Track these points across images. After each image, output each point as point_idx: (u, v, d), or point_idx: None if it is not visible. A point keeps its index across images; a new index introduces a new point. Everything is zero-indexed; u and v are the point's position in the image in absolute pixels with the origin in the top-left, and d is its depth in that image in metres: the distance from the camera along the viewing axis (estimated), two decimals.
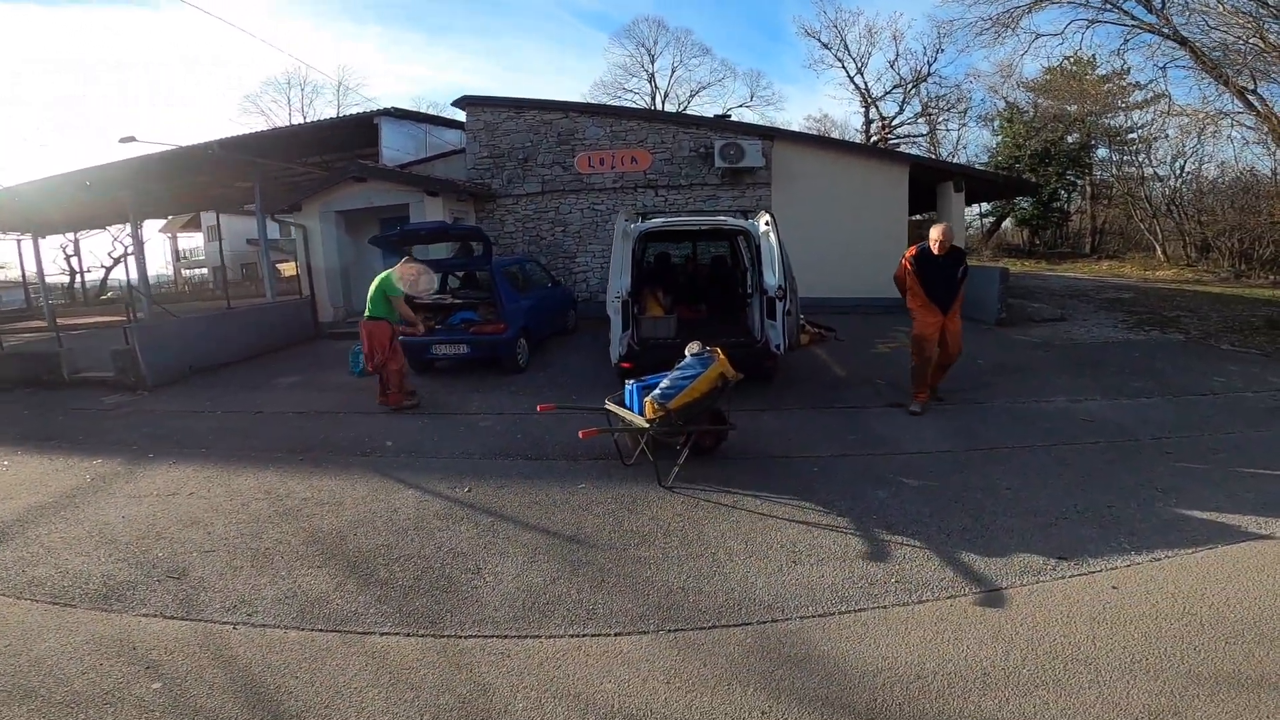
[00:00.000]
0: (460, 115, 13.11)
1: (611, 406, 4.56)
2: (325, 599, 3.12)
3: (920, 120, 31.66)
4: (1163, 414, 5.69)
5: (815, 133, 28.82)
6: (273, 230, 14.35)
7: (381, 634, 2.83)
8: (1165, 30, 10.14)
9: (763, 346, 6.28)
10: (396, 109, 14.32)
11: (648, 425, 4.15)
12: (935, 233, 5.55)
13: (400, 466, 4.90)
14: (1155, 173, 25.13)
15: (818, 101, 75.20)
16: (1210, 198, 23.52)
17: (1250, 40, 9.22)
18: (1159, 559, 3.17)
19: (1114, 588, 2.92)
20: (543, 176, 12.44)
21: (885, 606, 2.86)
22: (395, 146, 13.77)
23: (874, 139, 29.99)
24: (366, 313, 6.26)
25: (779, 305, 6.02)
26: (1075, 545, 3.32)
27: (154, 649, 2.77)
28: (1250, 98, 9.86)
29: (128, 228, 19.94)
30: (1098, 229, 28.16)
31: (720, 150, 11.36)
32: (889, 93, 31.93)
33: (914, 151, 27.67)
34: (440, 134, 15.36)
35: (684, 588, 3.09)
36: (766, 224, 6.24)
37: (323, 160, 15.22)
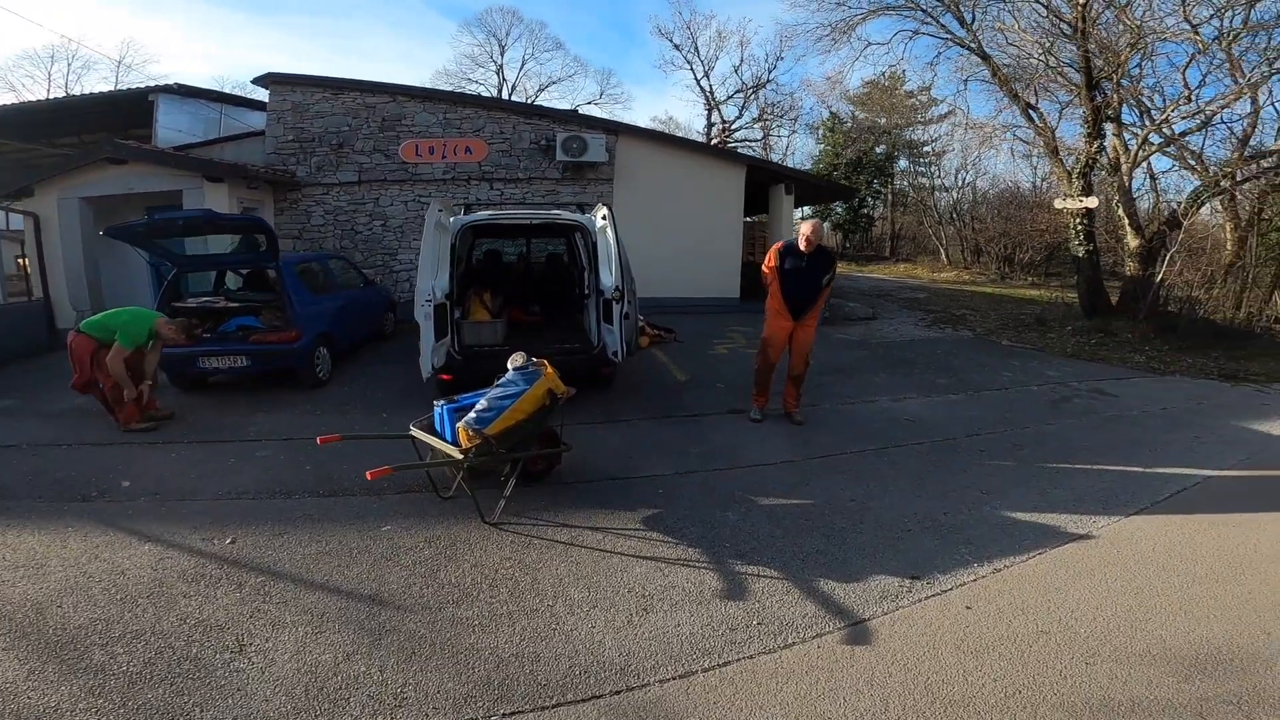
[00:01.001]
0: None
1: (419, 433, 3.80)
2: (9, 692, 2.26)
3: (756, 125, 33.48)
4: (969, 410, 6.11)
5: (660, 130, 29.29)
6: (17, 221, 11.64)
7: None
8: (972, 45, 11.27)
9: (599, 353, 5.81)
10: (182, 85, 12.36)
11: (462, 456, 3.47)
12: (805, 228, 5.15)
13: (137, 514, 3.76)
14: (942, 183, 28.83)
15: (665, 104, 75.73)
16: (982, 207, 27.47)
17: (1038, 59, 10.52)
18: (999, 569, 3.17)
19: (968, 608, 2.82)
20: (360, 164, 11.04)
21: (751, 656, 2.50)
22: (178, 127, 11.81)
23: (714, 141, 31.20)
24: (80, 324, 5.21)
25: (616, 308, 5.56)
26: (923, 560, 3.24)
27: None
28: (1032, 113, 11.26)
29: None
30: (896, 234, 31.71)
31: (563, 143, 10.81)
32: (731, 97, 33.40)
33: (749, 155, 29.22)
34: (243, 116, 13.37)
35: (518, 654, 2.52)
36: (604, 219, 5.72)
37: (81, 141, 13.00)
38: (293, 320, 6.02)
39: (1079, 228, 11.04)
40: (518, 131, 11.15)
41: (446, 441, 3.64)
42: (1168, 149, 11.31)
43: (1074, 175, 10.82)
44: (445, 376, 5.53)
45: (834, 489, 4.16)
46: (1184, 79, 9.83)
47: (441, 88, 29.64)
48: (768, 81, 32.09)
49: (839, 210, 30.24)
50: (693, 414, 5.79)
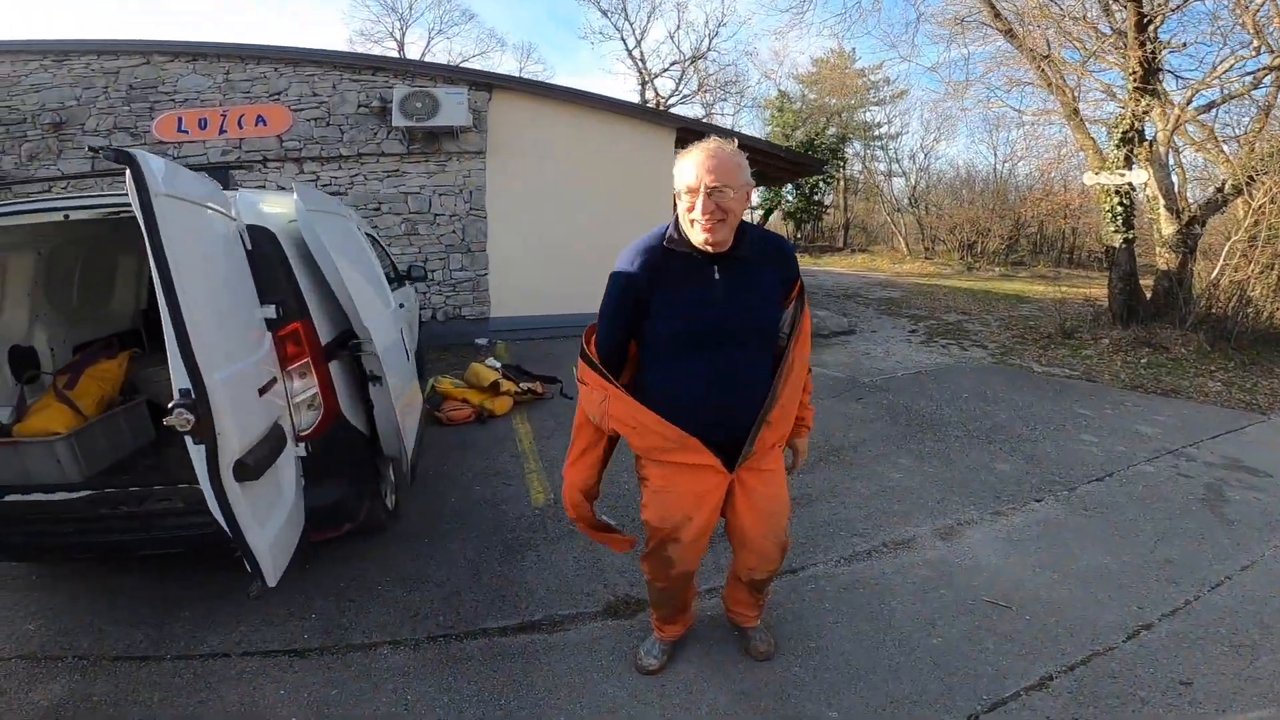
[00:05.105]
0: None
1: None
2: None
3: (695, 99, 30.19)
4: (1090, 549, 3.14)
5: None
6: None
7: None
8: None
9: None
10: None
11: None
12: (694, 168, 1.72)
13: None
14: (900, 167, 26.54)
15: (593, 81, 68.75)
16: (941, 190, 25.27)
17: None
18: None
19: None
20: (122, 149, 7.45)
21: None
22: None
23: None
24: None
25: (199, 453, 1.90)
26: None
27: None
28: (1044, 65, 8.46)
29: None
30: (849, 223, 29.28)
31: (401, 103, 7.44)
32: (667, 69, 29.93)
33: None
34: None
35: None
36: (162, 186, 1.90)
37: None
38: None
39: (1117, 210, 8.35)
40: (339, 91, 7.72)
41: None
42: (1203, 116, 8.77)
43: (1116, 143, 8.11)
44: None
45: None
46: (1252, 21, 7.17)
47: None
48: (708, 50, 28.96)
49: (790, 197, 27.55)
50: (528, 622, 2.60)
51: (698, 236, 1.75)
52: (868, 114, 26.20)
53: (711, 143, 1.75)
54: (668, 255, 1.82)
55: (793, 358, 1.88)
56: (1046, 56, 8.43)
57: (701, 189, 1.69)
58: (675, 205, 1.83)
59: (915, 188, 25.46)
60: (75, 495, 2.70)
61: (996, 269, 20.67)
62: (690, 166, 1.72)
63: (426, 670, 2.32)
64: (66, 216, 2.45)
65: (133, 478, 3.01)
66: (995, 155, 23.38)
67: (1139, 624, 2.57)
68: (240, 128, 7.49)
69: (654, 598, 2.27)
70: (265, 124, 7.52)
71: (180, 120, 7.40)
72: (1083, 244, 21.78)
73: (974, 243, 22.31)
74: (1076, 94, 8.64)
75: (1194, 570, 2.97)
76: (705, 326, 1.80)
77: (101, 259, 3.98)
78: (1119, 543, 3.22)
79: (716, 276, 1.81)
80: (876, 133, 26.45)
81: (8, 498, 2.69)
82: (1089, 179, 8.49)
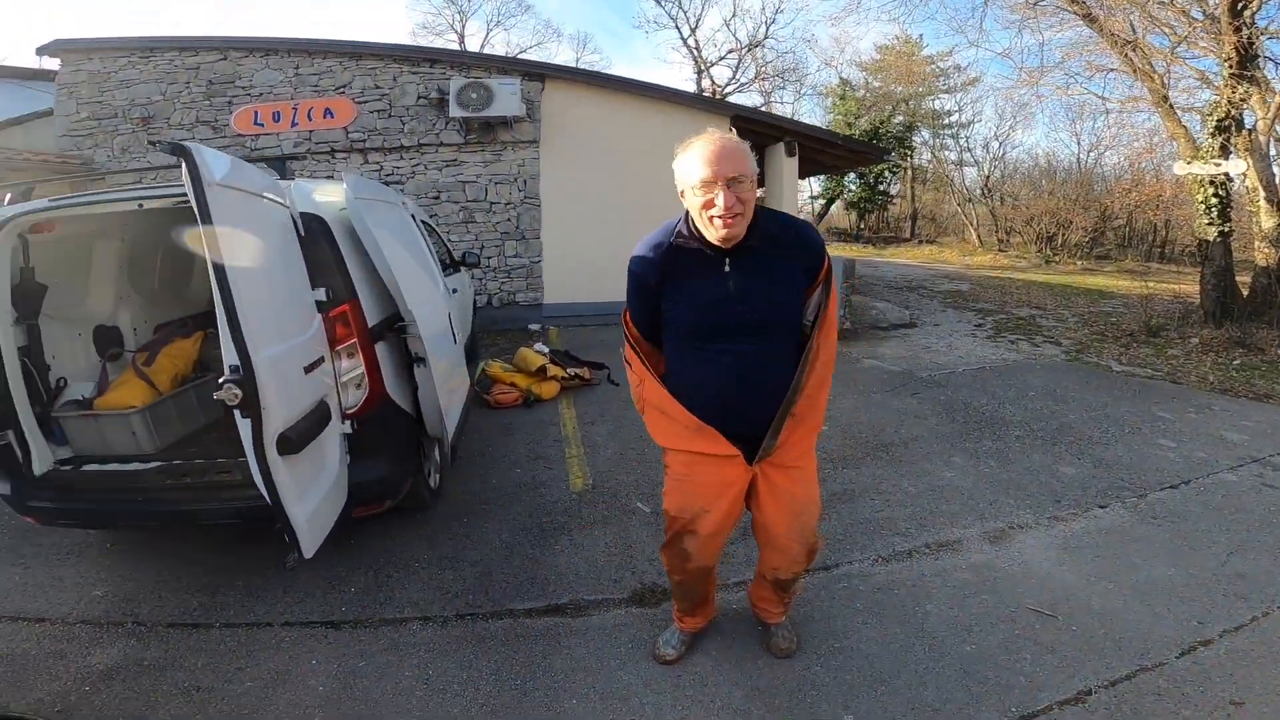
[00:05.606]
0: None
1: None
2: None
3: (753, 87, 29.58)
4: (1156, 564, 2.91)
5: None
6: None
7: None
8: None
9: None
10: None
11: None
12: (704, 162, 1.63)
13: None
14: (972, 156, 25.31)
15: (649, 70, 67.93)
16: (1017, 180, 23.93)
17: None
18: None
19: None
20: (179, 142, 7.98)
21: None
22: None
23: None
24: None
25: (249, 431, 2.00)
26: None
27: None
28: (1128, 51, 7.87)
29: None
30: (916, 214, 28.14)
31: (458, 94, 7.62)
32: (723, 58, 29.52)
33: None
34: None
35: None
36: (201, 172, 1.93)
37: None
38: None
39: (1211, 201, 7.72)
40: (400, 84, 7.96)
41: None
42: None
43: (1210, 131, 7.49)
44: (29, 518, 2.70)
45: None
46: None
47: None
48: (766, 38, 28.29)
49: (852, 187, 26.70)
50: (551, 606, 2.63)
51: (716, 234, 1.70)
52: (936, 101, 25.07)
53: (715, 134, 1.70)
54: (678, 251, 1.81)
55: (817, 345, 1.81)
56: (1131, 42, 7.83)
57: (720, 181, 1.63)
58: (683, 187, 1.78)
59: (989, 178, 24.20)
60: (146, 466, 2.92)
61: (1078, 262, 19.44)
62: (698, 161, 1.66)
63: (451, 647, 2.38)
64: (141, 205, 2.62)
65: (199, 450, 3.22)
66: (1079, 144, 21.92)
67: (1196, 640, 2.38)
68: (310, 120, 7.84)
69: (673, 589, 2.27)
70: (332, 116, 7.85)
71: (256, 114, 7.81)
72: (1175, 238, 20.25)
73: (1053, 235, 21.02)
74: (1166, 81, 8.01)
75: (1267, 586, 2.72)
76: (721, 320, 1.77)
77: (181, 245, 4.24)
78: (1188, 554, 2.98)
79: (728, 269, 1.77)
80: (946, 121, 25.28)
81: (86, 467, 2.93)
82: (1180, 169, 7.86)
